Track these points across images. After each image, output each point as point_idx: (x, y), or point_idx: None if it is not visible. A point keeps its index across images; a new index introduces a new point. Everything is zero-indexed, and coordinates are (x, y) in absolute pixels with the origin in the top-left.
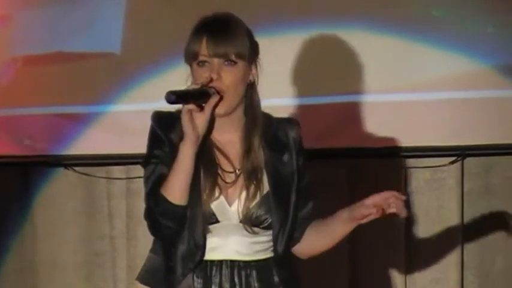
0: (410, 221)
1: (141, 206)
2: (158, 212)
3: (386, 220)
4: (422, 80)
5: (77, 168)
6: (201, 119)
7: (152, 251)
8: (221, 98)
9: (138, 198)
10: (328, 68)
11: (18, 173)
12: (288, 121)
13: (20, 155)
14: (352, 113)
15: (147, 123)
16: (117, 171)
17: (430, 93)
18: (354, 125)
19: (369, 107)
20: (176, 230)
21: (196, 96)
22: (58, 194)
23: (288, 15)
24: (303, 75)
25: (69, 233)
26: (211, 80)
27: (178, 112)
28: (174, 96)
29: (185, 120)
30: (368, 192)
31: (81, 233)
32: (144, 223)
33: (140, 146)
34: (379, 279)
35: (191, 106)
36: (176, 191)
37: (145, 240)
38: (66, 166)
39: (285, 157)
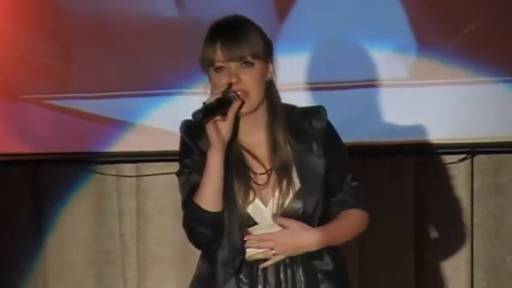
0: (419, 218)
1: (150, 203)
2: (194, 221)
3: (395, 218)
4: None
5: (86, 166)
6: (224, 126)
7: (200, 258)
8: (243, 102)
9: (147, 196)
10: (334, 63)
11: (27, 171)
12: (312, 110)
13: (29, 153)
14: (360, 110)
15: (158, 120)
16: (127, 168)
17: (440, 88)
18: (363, 122)
19: (378, 104)
20: (213, 237)
21: (220, 107)
22: (67, 191)
23: None
24: (312, 69)
25: (79, 231)
26: (231, 85)
27: None
28: (201, 115)
29: (210, 130)
30: (378, 189)
31: (91, 231)
32: (154, 220)
33: (150, 144)
34: (389, 277)
35: (216, 117)
36: (209, 198)
37: (154, 238)
38: (75, 163)
39: (311, 147)
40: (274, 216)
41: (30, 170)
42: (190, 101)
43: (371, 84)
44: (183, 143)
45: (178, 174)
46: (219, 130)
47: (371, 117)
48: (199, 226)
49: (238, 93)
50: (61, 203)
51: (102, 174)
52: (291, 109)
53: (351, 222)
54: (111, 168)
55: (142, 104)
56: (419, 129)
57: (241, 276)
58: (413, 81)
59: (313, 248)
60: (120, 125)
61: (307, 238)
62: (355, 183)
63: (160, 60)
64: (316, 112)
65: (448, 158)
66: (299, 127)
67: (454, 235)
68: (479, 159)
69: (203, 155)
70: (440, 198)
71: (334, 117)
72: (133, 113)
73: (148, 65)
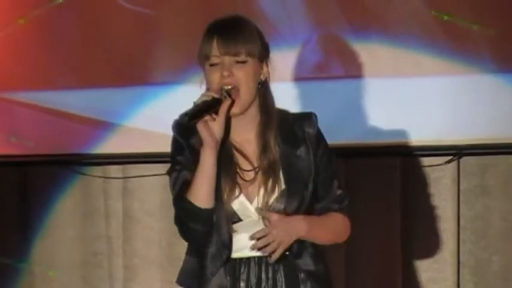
0: (406, 220)
1: (137, 205)
2: (186, 217)
3: (382, 219)
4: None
5: (73, 167)
6: (216, 125)
7: (187, 252)
8: (233, 102)
9: (134, 197)
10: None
11: (14, 172)
12: (304, 116)
13: (16, 155)
14: (348, 112)
15: (147, 122)
16: (114, 170)
17: (426, 89)
18: (350, 124)
19: (365, 107)
20: (205, 232)
21: (209, 108)
22: (55, 193)
23: None
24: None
25: (66, 233)
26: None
27: None
28: (187, 118)
29: (201, 129)
30: (365, 191)
31: (78, 232)
32: (141, 222)
33: (136, 145)
34: (376, 278)
35: (206, 117)
36: (201, 195)
37: (141, 239)
38: (62, 165)
39: (300, 151)
40: (259, 209)
41: (18, 171)
42: (177, 101)
43: (355, 80)
44: (175, 141)
45: (170, 171)
46: (210, 129)
47: (356, 118)
48: (191, 222)
49: (229, 87)
50: (48, 204)
51: (89, 176)
52: (283, 113)
53: (333, 223)
54: (97, 170)
55: (129, 105)
56: (406, 130)
57: (226, 274)
58: (399, 80)
59: (302, 234)
60: (106, 127)
61: (295, 223)
62: (340, 191)
63: (147, 56)
64: (308, 118)
65: (434, 160)
66: (290, 130)
67: (441, 237)
68: (466, 160)
69: (195, 153)
70: (427, 200)
71: (321, 120)
72: (120, 115)
73: (134, 62)
